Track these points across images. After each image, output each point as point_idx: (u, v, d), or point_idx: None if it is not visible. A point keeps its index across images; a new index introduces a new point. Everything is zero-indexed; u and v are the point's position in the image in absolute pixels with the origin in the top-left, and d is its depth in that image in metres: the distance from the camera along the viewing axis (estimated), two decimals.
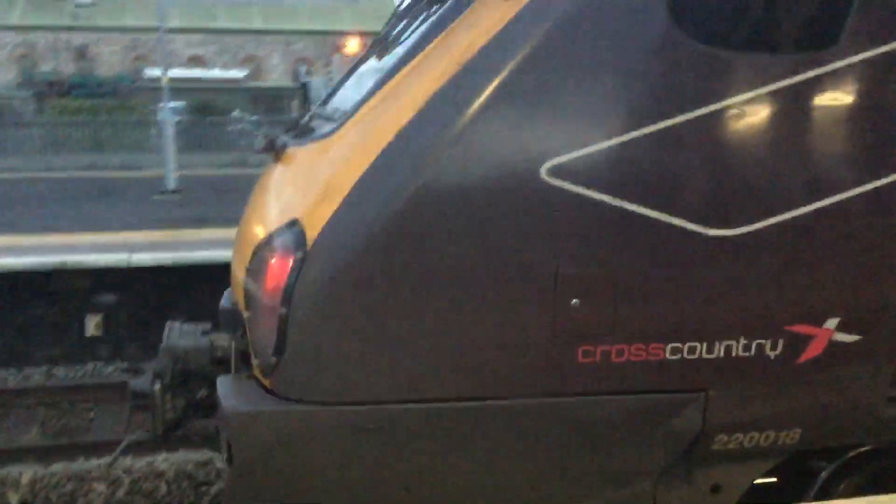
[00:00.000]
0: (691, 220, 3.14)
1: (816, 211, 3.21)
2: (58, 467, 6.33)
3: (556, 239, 3.09)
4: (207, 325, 4.33)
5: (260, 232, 3.58)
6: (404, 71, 3.28)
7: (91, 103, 32.62)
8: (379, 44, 4.26)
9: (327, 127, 3.55)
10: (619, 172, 3.10)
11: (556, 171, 3.04)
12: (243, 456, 3.19)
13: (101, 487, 6.09)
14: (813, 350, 3.35)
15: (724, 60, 3.16)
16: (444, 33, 3.27)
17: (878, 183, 3.26)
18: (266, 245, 3.33)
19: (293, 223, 3.22)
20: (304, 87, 40.39)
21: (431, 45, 3.27)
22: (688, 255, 3.17)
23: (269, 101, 37.49)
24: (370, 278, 3.06)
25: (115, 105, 32.75)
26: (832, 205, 3.22)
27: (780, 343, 3.30)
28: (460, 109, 3.04)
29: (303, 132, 3.89)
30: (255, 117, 30.44)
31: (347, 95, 3.98)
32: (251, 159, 22.87)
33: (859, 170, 3.26)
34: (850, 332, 3.35)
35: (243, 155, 24.93)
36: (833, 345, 3.35)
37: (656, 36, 3.13)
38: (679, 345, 3.23)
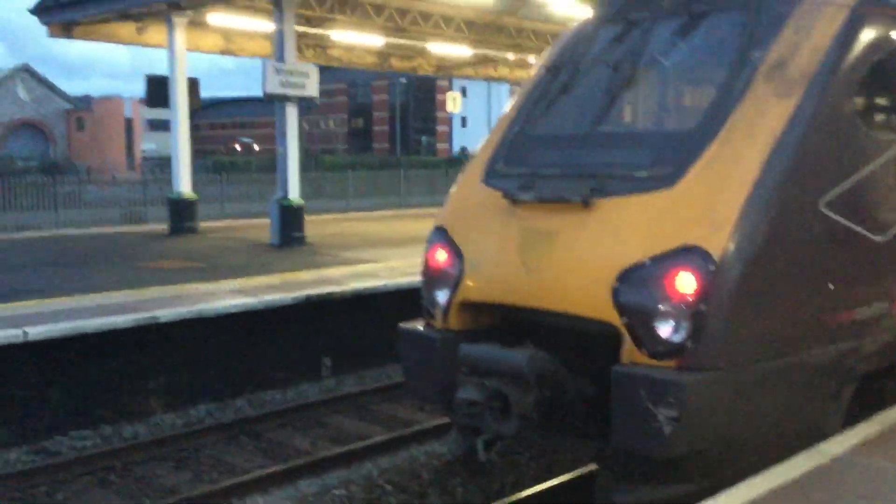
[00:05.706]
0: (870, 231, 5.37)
1: None
2: None
3: (826, 248, 5.18)
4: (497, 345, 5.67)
5: (614, 262, 4.99)
6: (725, 131, 5.08)
7: None
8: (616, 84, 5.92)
9: (653, 181, 5.11)
10: (853, 203, 5.29)
11: (829, 204, 5.14)
12: (691, 413, 4.64)
13: None
14: None
15: None
16: (742, 105, 5.13)
17: None
18: (662, 266, 4.84)
19: (694, 248, 4.79)
20: None
21: (737, 117, 5.10)
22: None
23: None
24: (761, 279, 4.83)
25: None
26: None
27: None
28: (796, 162, 4.97)
29: (601, 186, 5.26)
30: None
31: (628, 141, 5.84)
32: None
33: None
34: None
35: None
36: None
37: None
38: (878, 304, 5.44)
